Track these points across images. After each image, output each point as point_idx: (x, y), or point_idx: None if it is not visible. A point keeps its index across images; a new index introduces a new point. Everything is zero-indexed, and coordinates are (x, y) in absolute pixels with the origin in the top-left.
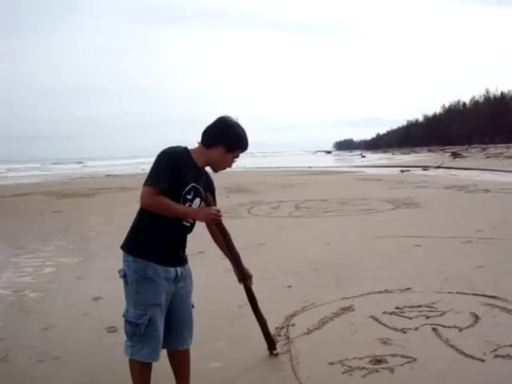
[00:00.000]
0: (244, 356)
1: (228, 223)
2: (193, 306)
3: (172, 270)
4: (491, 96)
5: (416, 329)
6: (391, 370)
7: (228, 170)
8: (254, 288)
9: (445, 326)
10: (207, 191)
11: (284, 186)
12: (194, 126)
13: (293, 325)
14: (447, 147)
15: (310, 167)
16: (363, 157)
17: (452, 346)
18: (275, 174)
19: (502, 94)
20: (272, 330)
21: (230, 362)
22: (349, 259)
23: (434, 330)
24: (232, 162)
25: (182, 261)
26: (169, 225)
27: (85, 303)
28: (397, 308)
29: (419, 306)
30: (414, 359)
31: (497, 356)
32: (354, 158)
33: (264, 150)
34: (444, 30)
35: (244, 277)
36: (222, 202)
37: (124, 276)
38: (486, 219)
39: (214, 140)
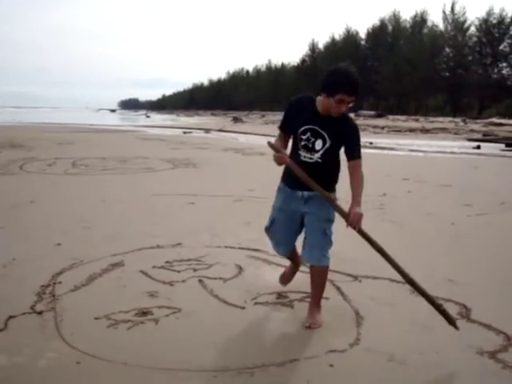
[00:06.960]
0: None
1: None
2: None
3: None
4: (272, 66)
5: (183, 281)
6: (156, 321)
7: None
8: (20, 247)
9: (210, 278)
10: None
11: (62, 142)
12: None
13: (59, 282)
14: (230, 112)
15: (91, 125)
16: (148, 117)
17: (216, 296)
18: (53, 130)
19: (282, 64)
20: (37, 289)
21: None
22: (122, 216)
23: (200, 281)
24: (339, 106)
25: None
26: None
27: None
28: (166, 262)
29: (188, 260)
30: (179, 310)
31: (256, 303)
32: (139, 118)
33: (41, 105)
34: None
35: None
36: None
37: None
38: (258, 180)
39: (320, 88)
